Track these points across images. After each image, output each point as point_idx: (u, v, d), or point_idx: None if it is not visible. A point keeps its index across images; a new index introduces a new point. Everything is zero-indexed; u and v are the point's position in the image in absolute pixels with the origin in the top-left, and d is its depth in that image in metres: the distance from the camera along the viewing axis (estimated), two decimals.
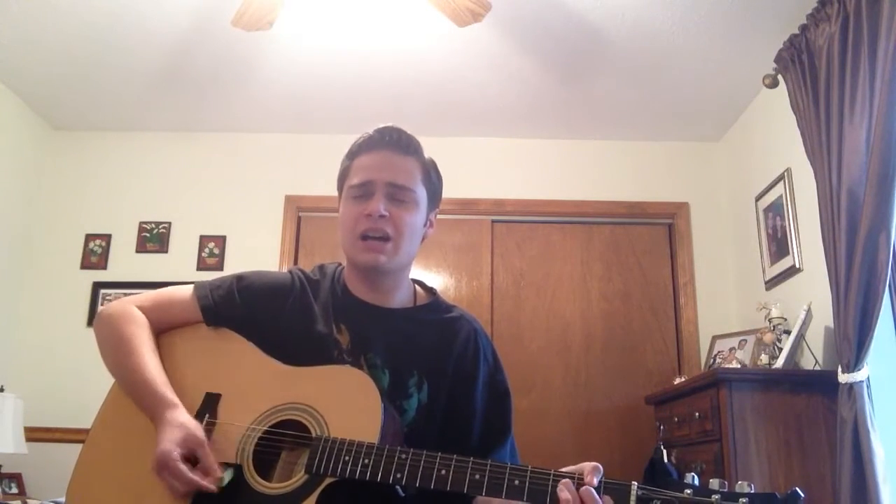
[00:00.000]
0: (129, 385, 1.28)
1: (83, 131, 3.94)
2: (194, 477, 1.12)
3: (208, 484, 1.12)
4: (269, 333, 1.31)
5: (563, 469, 1.04)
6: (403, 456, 1.09)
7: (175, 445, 1.14)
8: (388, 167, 1.31)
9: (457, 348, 1.33)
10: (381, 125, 1.36)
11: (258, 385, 1.25)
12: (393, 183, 1.30)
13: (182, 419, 1.19)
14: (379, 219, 1.28)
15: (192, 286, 1.37)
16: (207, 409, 1.24)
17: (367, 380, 1.20)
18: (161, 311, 1.35)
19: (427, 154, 1.38)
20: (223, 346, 1.31)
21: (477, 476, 1.05)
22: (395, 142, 1.33)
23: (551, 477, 1.02)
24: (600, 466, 1.02)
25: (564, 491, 0.99)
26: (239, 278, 1.38)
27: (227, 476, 1.15)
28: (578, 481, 1.00)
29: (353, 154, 1.37)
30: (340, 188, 1.38)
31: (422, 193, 1.35)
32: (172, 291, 1.39)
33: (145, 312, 1.34)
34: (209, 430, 1.21)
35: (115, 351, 1.31)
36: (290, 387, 1.22)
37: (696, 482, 0.96)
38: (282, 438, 1.18)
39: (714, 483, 0.95)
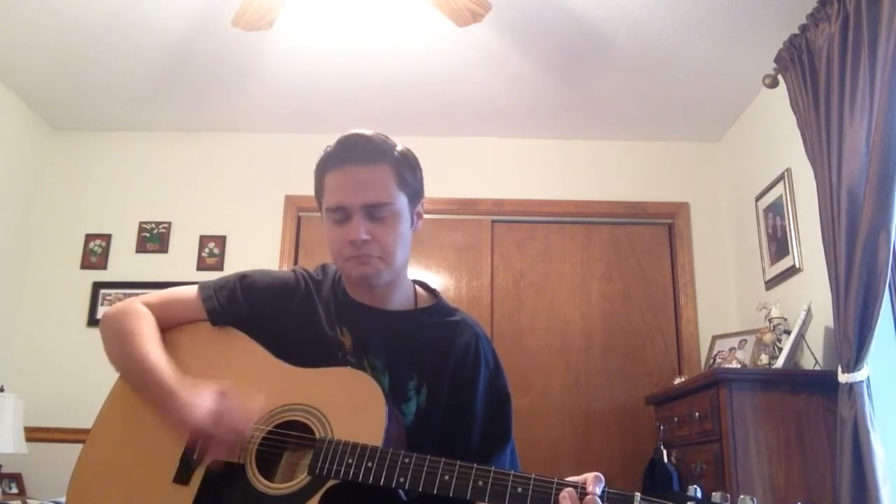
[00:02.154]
0: (137, 374, 1.27)
1: (83, 131, 3.94)
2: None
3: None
4: (274, 333, 1.31)
5: (566, 479, 1.03)
6: (407, 460, 1.09)
7: (220, 397, 1.19)
8: (360, 186, 1.26)
9: (457, 352, 1.32)
10: (346, 133, 1.30)
11: (262, 385, 1.24)
12: (368, 203, 1.25)
13: (202, 387, 1.21)
14: (362, 244, 1.25)
15: (196, 287, 1.37)
16: None
17: (371, 382, 1.20)
18: (166, 310, 1.35)
19: (400, 147, 1.32)
20: (228, 345, 1.31)
21: (480, 482, 1.05)
22: (360, 154, 1.27)
23: (554, 485, 1.02)
24: (602, 476, 1.01)
25: (567, 500, 0.99)
26: (243, 277, 1.37)
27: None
28: (581, 491, 1.00)
29: (322, 168, 1.31)
30: (319, 203, 1.34)
31: (401, 201, 1.29)
32: (177, 292, 1.38)
33: (151, 309, 1.34)
34: None
35: (121, 344, 1.30)
36: (295, 388, 1.22)
37: (699, 494, 0.96)
38: (285, 439, 1.18)
39: (716, 496, 0.95)
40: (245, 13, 2.53)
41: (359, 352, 1.29)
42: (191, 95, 3.57)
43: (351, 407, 1.18)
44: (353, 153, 1.27)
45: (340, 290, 1.37)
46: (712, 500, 0.95)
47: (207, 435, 1.16)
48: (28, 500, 3.10)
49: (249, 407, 1.19)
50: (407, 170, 1.31)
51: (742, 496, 0.95)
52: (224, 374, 1.28)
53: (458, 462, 1.07)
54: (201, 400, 1.18)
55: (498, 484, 1.04)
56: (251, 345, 1.30)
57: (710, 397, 2.61)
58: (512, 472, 1.05)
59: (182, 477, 1.18)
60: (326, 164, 1.30)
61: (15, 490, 3.26)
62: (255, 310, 1.33)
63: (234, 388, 1.20)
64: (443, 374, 1.30)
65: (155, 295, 1.38)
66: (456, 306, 1.42)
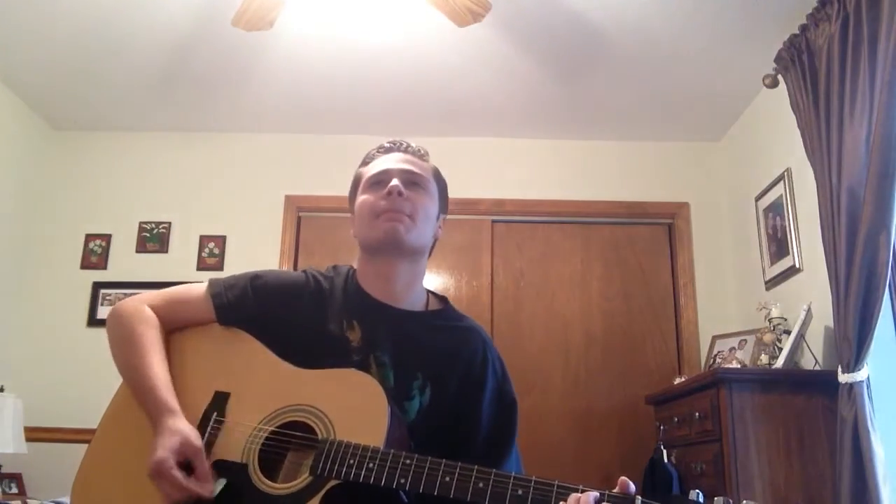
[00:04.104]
0: (134, 387, 1.28)
1: (83, 131, 3.94)
2: (189, 484, 1.12)
3: (203, 491, 1.12)
4: (281, 333, 1.31)
5: (568, 483, 1.03)
6: (408, 461, 1.09)
7: (170, 453, 1.14)
8: (403, 161, 1.39)
9: (465, 357, 1.33)
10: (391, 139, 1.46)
11: (267, 385, 1.25)
12: (409, 170, 1.37)
13: (179, 426, 1.18)
14: (398, 197, 1.32)
15: (205, 284, 1.37)
16: (216, 407, 1.24)
17: (374, 384, 1.20)
18: (173, 310, 1.36)
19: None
20: (234, 346, 1.32)
21: (480, 484, 1.05)
22: (406, 148, 1.43)
23: (555, 488, 1.02)
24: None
25: None
26: (254, 277, 1.38)
27: (219, 486, 1.15)
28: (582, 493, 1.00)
29: (365, 162, 1.44)
30: (353, 196, 1.42)
31: (434, 189, 1.41)
32: (186, 290, 1.38)
33: (157, 311, 1.35)
34: (217, 428, 1.22)
35: (124, 351, 1.31)
36: (299, 388, 1.23)
37: (701, 499, 0.96)
38: (288, 439, 1.19)
39: (719, 501, 0.95)
40: (245, 13, 2.53)
41: (367, 346, 1.30)
42: (191, 95, 3.57)
43: (353, 408, 1.18)
44: (400, 146, 1.43)
45: (354, 284, 1.38)
46: None
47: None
48: (28, 500, 3.10)
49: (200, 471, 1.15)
50: (441, 179, 1.46)
51: (744, 502, 0.95)
52: (229, 375, 1.29)
53: (459, 464, 1.08)
54: (165, 439, 1.16)
55: (498, 486, 1.04)
56: (257, 346, 1.31)
57: (710, 397, 2.61)
58: (513, 474, 1.05)
59: None
60: (372, 157, 1.44)
61: (15, 490, 3.26)
62: (264, 309, 1.34)
63: (194, 442, 1.16)
64: (449, 377, 1.31)
65: (162, 294, 1.38)
66: (464, 313, 1.44)
